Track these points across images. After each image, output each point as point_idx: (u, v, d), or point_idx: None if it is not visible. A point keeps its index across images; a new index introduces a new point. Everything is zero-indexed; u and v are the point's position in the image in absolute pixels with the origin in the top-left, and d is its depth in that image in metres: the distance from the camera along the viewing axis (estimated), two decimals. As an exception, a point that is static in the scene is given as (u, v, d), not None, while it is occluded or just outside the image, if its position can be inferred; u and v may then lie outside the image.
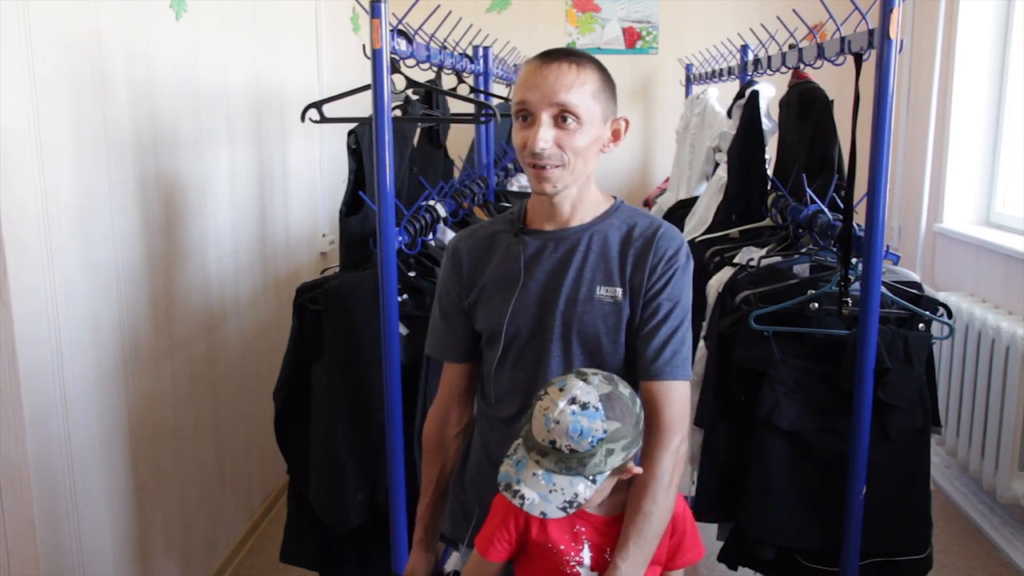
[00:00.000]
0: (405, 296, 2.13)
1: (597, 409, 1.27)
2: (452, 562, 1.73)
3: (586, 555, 1.37)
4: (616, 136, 1.48)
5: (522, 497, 1.27)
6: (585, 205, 1.50)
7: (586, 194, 1.49)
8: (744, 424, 2.09)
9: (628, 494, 1.40)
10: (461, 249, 1.57)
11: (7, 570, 1.91)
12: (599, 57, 1.48)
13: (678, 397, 1.44)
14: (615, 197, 1.56)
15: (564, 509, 1.27)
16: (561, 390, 1.29)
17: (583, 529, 1.38)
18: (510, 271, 1.51)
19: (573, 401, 1.27)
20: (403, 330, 2.05)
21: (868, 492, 1.93)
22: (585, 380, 1.30)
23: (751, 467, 2.03)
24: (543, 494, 1.27)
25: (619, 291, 1.47)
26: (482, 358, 1.60)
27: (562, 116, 1.40)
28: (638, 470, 1.36)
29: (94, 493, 2.14)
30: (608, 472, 1.29)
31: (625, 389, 1.33)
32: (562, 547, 1.37)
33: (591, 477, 1.28)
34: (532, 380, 1.48)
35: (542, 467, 1.27)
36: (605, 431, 1.27)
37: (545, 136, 1.40)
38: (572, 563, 1.37)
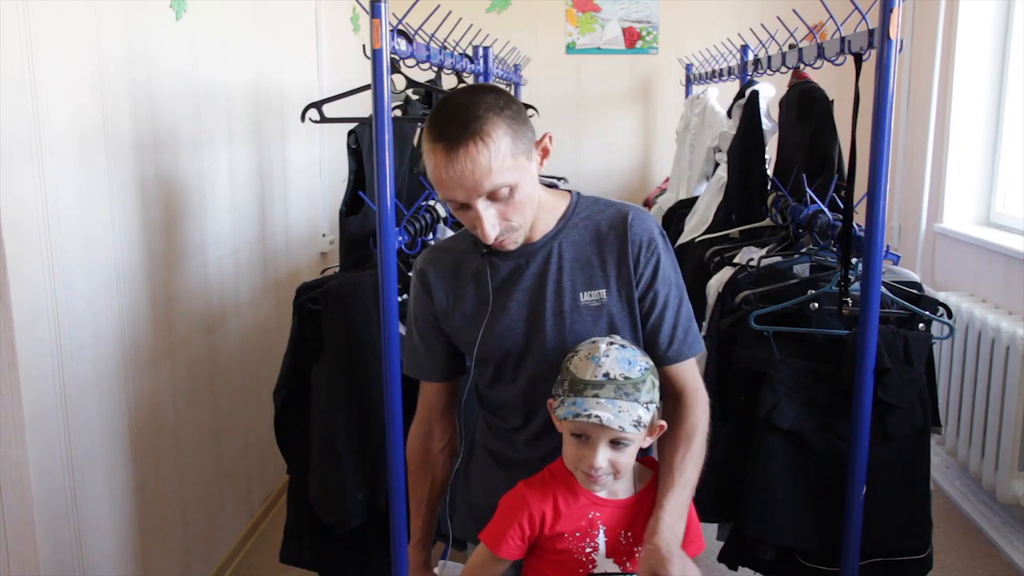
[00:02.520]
0: (405, 296, 2.13)
1: (632, 348, 1.38)
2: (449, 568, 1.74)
3: (601, 540, 1.39)
4: (546, 154, 1.43)
5: (597, 416, 1.29)
6: (543, 215, 1.47)
7: (540, 208, 1.46)
8: (744, 424, 2.09)
9: (667, 446, 1.45)
10: (428, 272, 1.53)
11: (7, 570, 1.91)
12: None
13: (696, 369, 1.52)
14: (570, 192, 1.52)
15: (636, 426, 1.32)
16: (594, 342, 1.37)
17: (598, 515, 1.39)
18: (481, 296, 1.48)
19: (611, 343, 1.36)
20: (403, 330, 2.05)
21: (868, 492, 1.93)
22: (607, 336, 1.40)
23: (751, 467, 2.03)
24: (614, 413, 1.30)
25: (603, 292, 1.46)
26: (463, 372, 1.60)
27: (496, 193, 1.34)
28: (663, 424, 1.41)
29: (94, 493, 2.13)
30: (656, 404, 1.37)
31: None
32: (577, 534, 1.38)
33: (644, 404, 1.33)
34: (532, 392, 1.48)
35: (603, 397, 1.31)
36: (648, 363, 1.36)
37: (491, 223, 1.36)
38: (587, 550, 1.38)
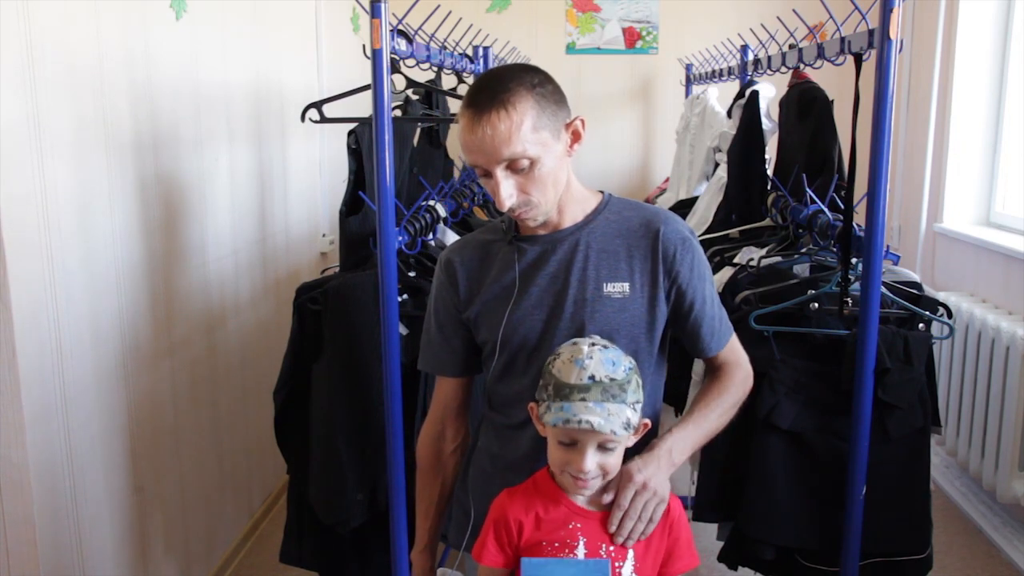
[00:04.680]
0: (405, 296, 2.13)
1: (615, 348, 1.38)
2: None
3: (580, 552, 1.37)
4: (576, 136, 1.46)
5: (588, 422, 1.29)
6: (572, 204, 1.50)
7: (569, 194, 1.49)
8: (744, 424, 2.09)
9: (697, 396, 1.53)
10: (455, 261, 1.55)
11: (7, 570, 1.91)
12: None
13: (736, 345, 1.60)
14: (603, 192, 1.55)
15: (625, 428, 1.32)
16: (575, 344, 1.37)
17: (579, 526, 1.38)
18: (507, 280, 1.50)
19: (593, 344, 1.36)
20: (403, 330, 2.05)
21: (868, 492, 1.93)
22: (588, 337, 1.40)
23: (751, 467, 2.02)
24: (604, 418, 1.30)
25: (626, 286, 1.47)
26: (479, 370, 1.60)
27: (516, 163, 1.38)
28: (648, 422, 1.42)
29: (94, 493, 2.14)
30: (641, 403, 1.37)
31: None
32: (556, 544, 1.37)
33: (631, 404, 1.33)
34: None
35: (590, 400, 1.30)
36: (631, 363, 1.37)
37: (507, 192, 1.39)
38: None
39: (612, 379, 1.32)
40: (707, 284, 1.52)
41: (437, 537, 1.66)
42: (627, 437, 1.35)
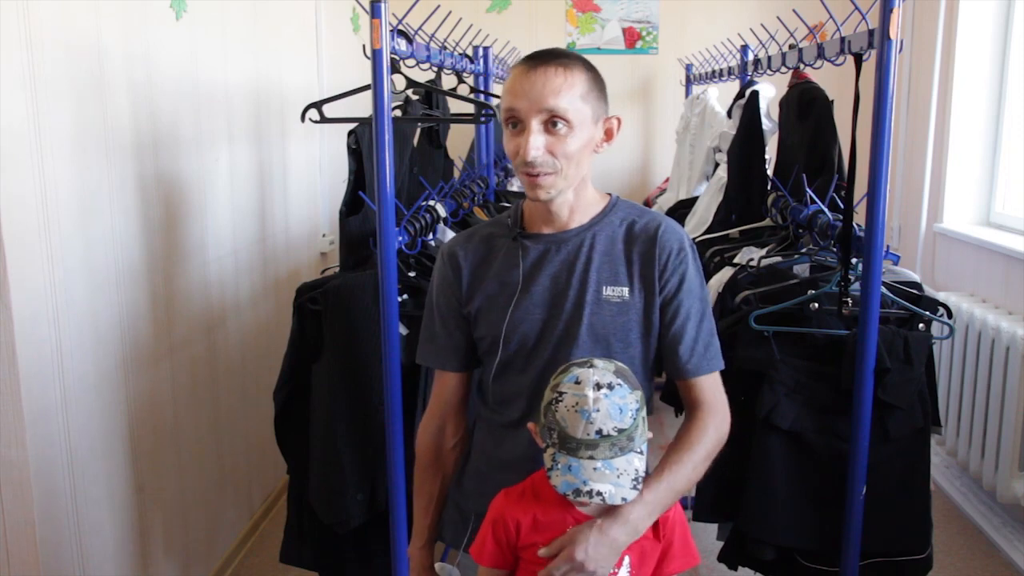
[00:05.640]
0: (405, 296, 2.13)
1: (620, 385, 1.30)
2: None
3: None
4: (609, 135, 1.46)
5: (599, 494, 1.26)
6: (583, 206, 1.49)
7: (582, 196, 1.48)
8: (744, 424, 2.09)
9: (670, 448, 1.44)
10: (459, 255, 1.53)
11: (7, 570, 1.91)
12: (599, 58, 1.48)
13: (718, 385, 1.49)
14: (610, 194, 1.55)
15: (635, 487, 1.29)
16: (578, 382, 1.29)
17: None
18: (510, 277, 1.50)
19: (598, 387, 1.29)
20: (403, 330, 2.05)
21: (868, 492, 1.93)
22: (591, 365, 1.32)
23: (751, 467, 2.03)
24: (614, 482, 1.27)
25: (625, 290, 1.46)
26: (479, 365, 1.58)
27: (552, 122, 1.38)
28: (650, 434, 1.37)
29: (94, 493, 2.14)
30: (646, 439, 1.33)
31: (619, 362, 1.37)
32: None
33: (639, 450, 1.30)
34: (538, 384, 1.47)
35: (598, 459, 1.27)
36: (637, 401, 1.30)
37: (536, 144, 1.38)
38: None
39: (620, 430, 1.27)
40: (696, 302, 1.48)
41: (436, 534, 1.66)
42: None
